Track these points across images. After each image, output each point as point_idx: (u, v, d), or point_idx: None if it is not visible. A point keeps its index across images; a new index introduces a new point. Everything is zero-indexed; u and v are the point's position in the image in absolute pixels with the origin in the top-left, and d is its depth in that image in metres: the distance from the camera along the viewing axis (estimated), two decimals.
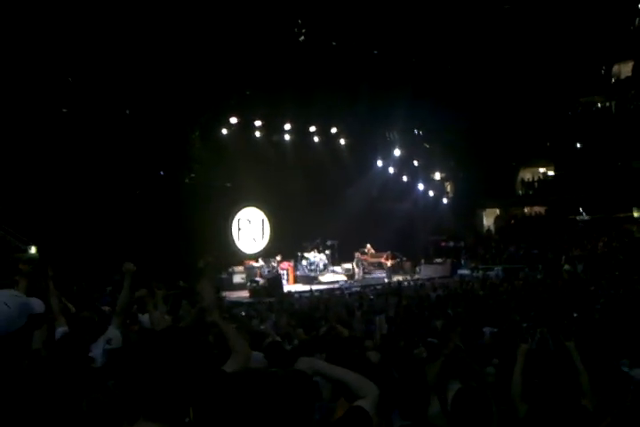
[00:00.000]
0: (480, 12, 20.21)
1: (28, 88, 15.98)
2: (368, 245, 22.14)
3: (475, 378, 3.80)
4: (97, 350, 4.01)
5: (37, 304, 2.05)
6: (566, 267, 22.46)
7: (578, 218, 28.13)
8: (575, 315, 10.03)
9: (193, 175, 20.04)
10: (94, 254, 16.94)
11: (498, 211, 31.68)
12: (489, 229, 30.69)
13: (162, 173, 19.44)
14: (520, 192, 31.63)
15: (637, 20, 27.44)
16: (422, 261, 24.43)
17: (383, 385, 3.12)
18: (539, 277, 20.00)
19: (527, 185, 31.59)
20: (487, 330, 7.78)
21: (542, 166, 31.71)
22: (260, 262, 20.19)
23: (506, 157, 29.42)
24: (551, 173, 31.47)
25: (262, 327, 7.81)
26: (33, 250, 16.76)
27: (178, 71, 16.66)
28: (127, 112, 17.68)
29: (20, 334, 1.91)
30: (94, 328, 4.38)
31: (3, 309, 1.88)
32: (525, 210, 31.44)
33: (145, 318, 5.66)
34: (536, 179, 31.65)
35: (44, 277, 4.56)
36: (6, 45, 14.62)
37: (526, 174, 31.92)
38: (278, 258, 20.20)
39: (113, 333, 4.42)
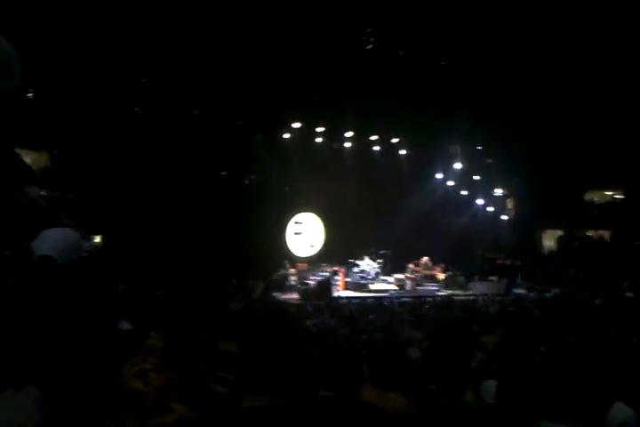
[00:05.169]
0: (553, 32, 19.75)
1: (106, 88, 16.84)
2: (425, 258, 21.92)
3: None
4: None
5: (87, 245, 2.34)
6: (629, 294, 21.52)
7: None
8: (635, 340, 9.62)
9: (253, 177, 20.46)
10: (155, 248, 17.56)
11: (560, 231, 30.65)
12: (549, 250, 29.75)
13: (224, 172, 19.94)
14: (585, 214, 30.50)
15: None
16: (476, 277, 23.94)
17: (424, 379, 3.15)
18: (597, 302, 19.24)
19: (593, 207, 30.43)
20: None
21: (611, 189, 30.49)
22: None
23: (572, 177, 28.47)
24: (619, 196, 30.22)
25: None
26: (98, 239, 17.63)
27: (246, 75, 17.11)
28: (196, 112, 18.29)
29: (71, 269, 2.27)
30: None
31: (61, 241, 2.30)
32: (589, 233, 30.28)
33: None
34: (603, 202, 30.46)
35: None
36: (87, 50, 15.43)
37: (593, 197, 30.78)
38: (335, 268, 20.37)
39: None
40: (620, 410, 3.40)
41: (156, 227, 17.87)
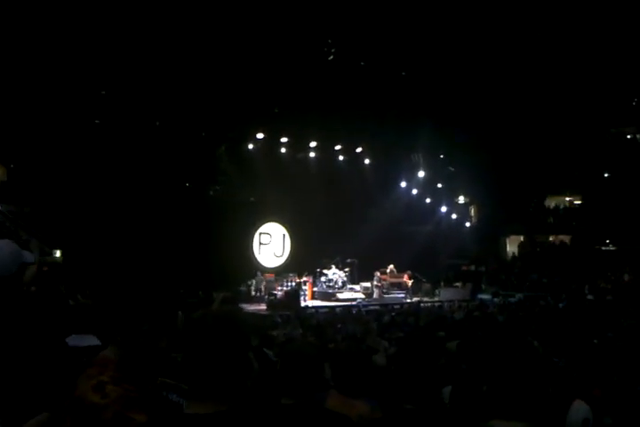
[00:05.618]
0: (513, 41, 20.29)
1: (65, 100, 16.51)
2: (391, 266, 22.05)
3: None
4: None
5: (28, 255, 2.22)
6: (590, 297, 22.05)
7: (603, 248, 27.64)
8: (595, 341, 9.83)
9: (218, 188, 20.30)
10: (117, 262, 17.19)
11: (522, 237, 31.29)
12: (512, 256, 30.30)
13: (188, 184, 19.73)
14: (545, 220, 31.21)
15: None
16: (442, 283, 24.19)
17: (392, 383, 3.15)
18: (560, 305, 19.62)
19: (553, 213, 31.18)
20: None
21: (569, 195, 31.34)
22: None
23: (532, 184, 29.16)
24: (578, 202, 31.08)
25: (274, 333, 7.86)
26: (58, 254, 17.16)
27: (208, 86, 17.04)
28: (157, 124, 18.09)
29: (12, 280, 2.16)
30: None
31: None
32: (550, 238, 30.98)
33: None
34: (562, 207, 31.26)
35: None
36: (44, 61, 15.14)
37: (552, 202, 31.57)
38: (304, 279, 20.28)
39: None
40: (580, 407, 3.48)
41: (120, 240, 17.51)
